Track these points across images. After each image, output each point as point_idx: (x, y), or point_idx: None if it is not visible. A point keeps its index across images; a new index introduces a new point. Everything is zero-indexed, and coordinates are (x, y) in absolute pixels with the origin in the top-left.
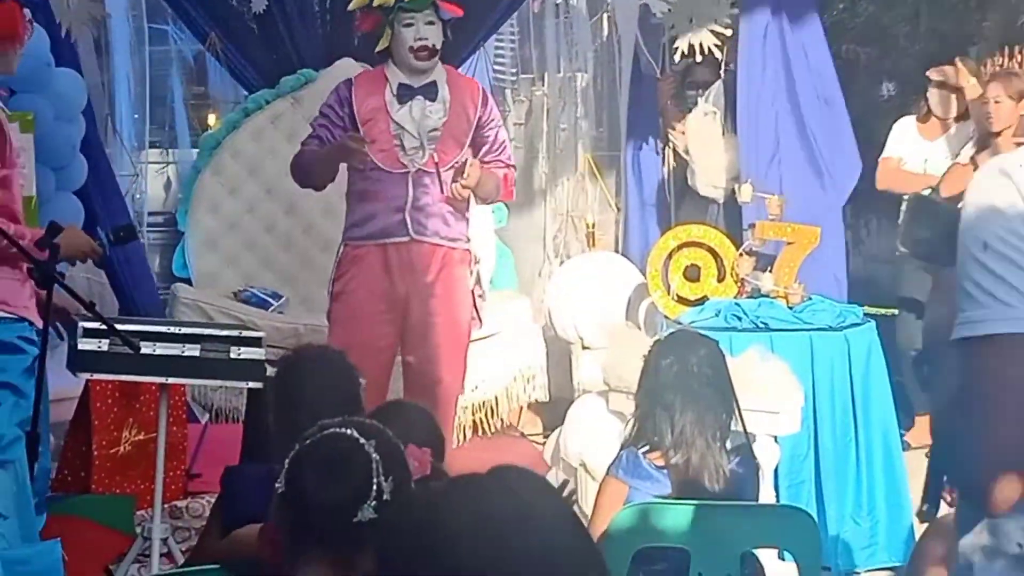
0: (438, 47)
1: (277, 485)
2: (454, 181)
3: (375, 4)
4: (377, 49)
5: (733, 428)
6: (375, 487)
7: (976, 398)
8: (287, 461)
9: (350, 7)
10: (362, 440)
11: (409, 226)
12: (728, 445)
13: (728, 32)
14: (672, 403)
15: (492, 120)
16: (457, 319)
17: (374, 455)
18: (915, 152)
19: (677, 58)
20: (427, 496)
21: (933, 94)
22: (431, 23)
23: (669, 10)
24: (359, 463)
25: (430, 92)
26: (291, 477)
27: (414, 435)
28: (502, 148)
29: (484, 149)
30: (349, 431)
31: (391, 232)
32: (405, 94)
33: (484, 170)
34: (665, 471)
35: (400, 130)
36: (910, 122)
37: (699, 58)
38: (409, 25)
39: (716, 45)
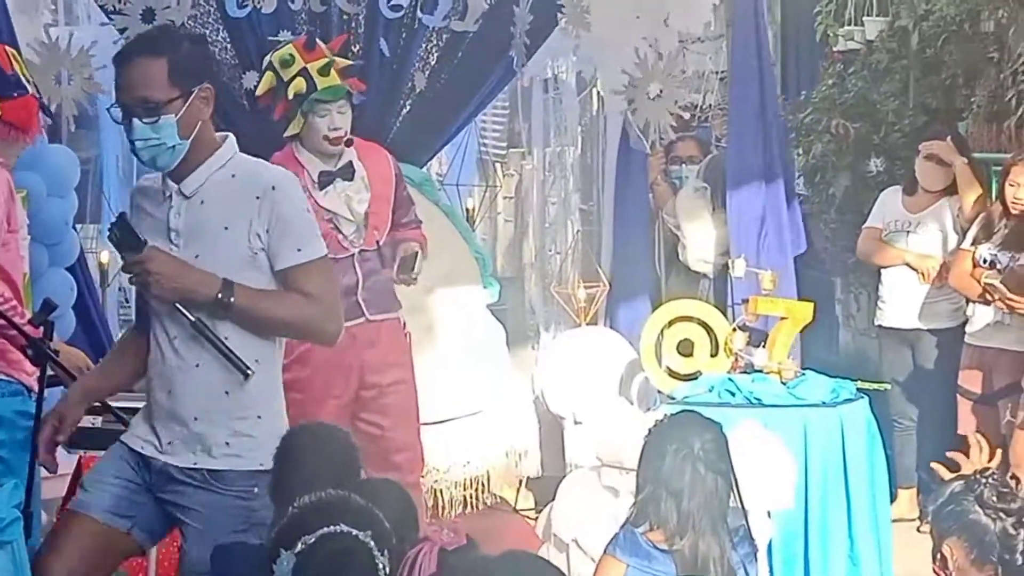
0: (348, 133)
1: None
2: (399, 273)
3: (289, 95)
4: (286, 134)
5: (733, 506)
6: (378, 570)
7: None
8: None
9: (257, 92)
10: (356, 533)
11: (364, 308)
12: (729, 524)
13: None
14: (679, 489)
15: (402, 181)
16: (411, 385)
17: (370, 543)
18: (899, 224)
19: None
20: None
21: (921, 166)
22: (343, 112)
23: (632, 84)
24: (361, 558)
25: (347, 173)
26: None
27: (387, 511)
28: (413, 206)
29: (400, 212)
30: (340, 527)
31: (346, 316)
32: (326, 180)
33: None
34: (664, 551)
35: (332, 215)
36: (896, 193)
37: (677, 136)
38: (323, 116)
39: (672, 126)
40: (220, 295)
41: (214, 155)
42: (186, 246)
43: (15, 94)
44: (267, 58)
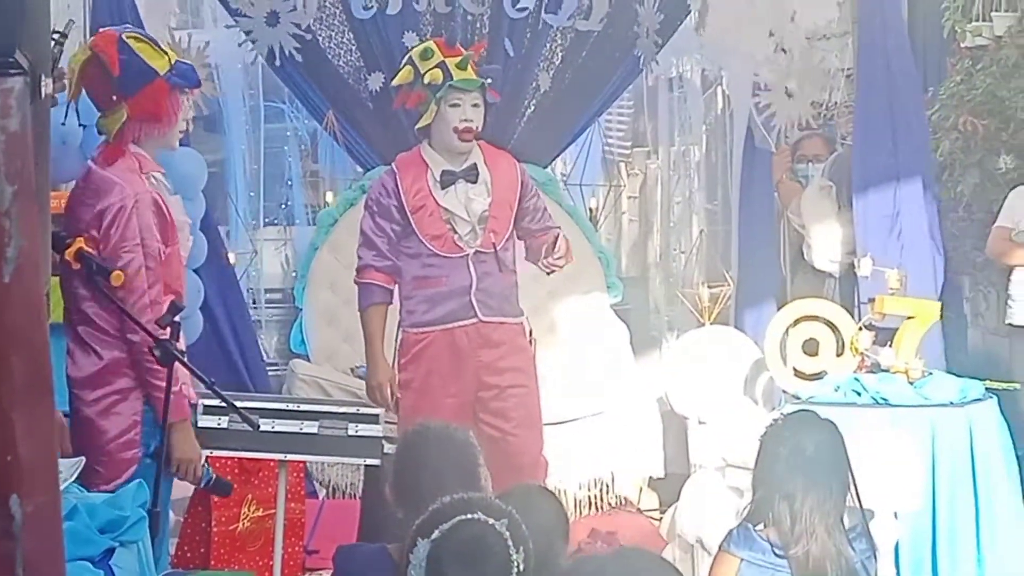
0: (480, 129)
1: None
2: (546, 257)
3: (425, 82)
4: (418, 126)
5: (850, 504)
6: (513, 564)
7: None
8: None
9: (394, 82)
10: (492, 522)
11: (476, 308)
12: (846, 524)
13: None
14: (792, 492)
15: (531, 190)
16: (533, 390)
17: (506, 533)
18: None
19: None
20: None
21: None
22: (476, 105)
23: (767, 90)
24: (495, 546)
25: (471, 175)
26: (433, 573)
27: (540, 518)
28: (546, 214)
29: (528, 219)
30: (477, 515)
31: (458, 316)
32: (448, 179)
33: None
34: (780, 550)
35: (450, 215)
36: None
37: (804, 133)
38: (455, 106)
39: (814, 117)
40: None
41: None
42: None
43: (138, 86)
44: (407, 54)
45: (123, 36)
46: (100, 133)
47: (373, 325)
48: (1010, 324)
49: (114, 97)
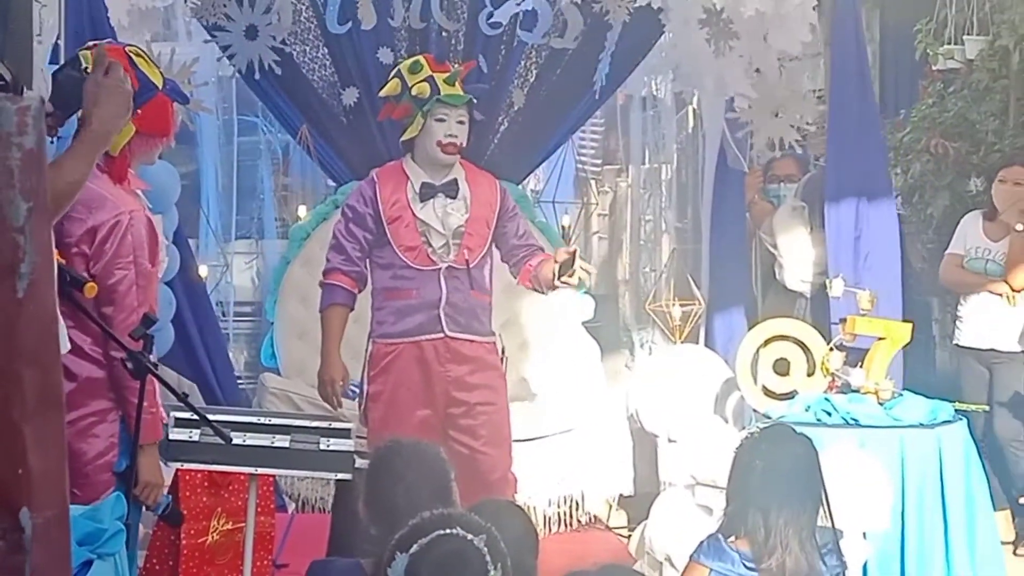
0: (464, 145)
1: None
2: (560, 277)
3: (412, 94)
4: (403, 139)
5: (821, 524)
6: None
7: None
8: (397, 570)
9: (381, 93)
10: (471, 537)
11: (444, 323)
12: (818, 540)
13: (812, 128)
14: (767, 504)
15: (511, 211)
16: (502, 408)
17: (484, 549)
18: (979, 251)
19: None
20: None
21: (999, 192)
22: (462, 122)
23: (749, 106)
24: (473, 562)
25: (451, 190)
26: None
27: (509, 534)
28: (529, 234)
29: (512, 241)
30: (456, 530)
31: (426, 329)
32: (427, 192)
33: (572, 248)
34: (751, 562)
35: (426, 228)
36: (976, 219)
37: (776, 154)
38: (441, 120)
39: (797, 140)
40: None
41: None
42: None
43: (143, 100)
44: (396, 68)
45: (127, 50)
46: None
47: (332, 324)
48: (957, 345)
49: None
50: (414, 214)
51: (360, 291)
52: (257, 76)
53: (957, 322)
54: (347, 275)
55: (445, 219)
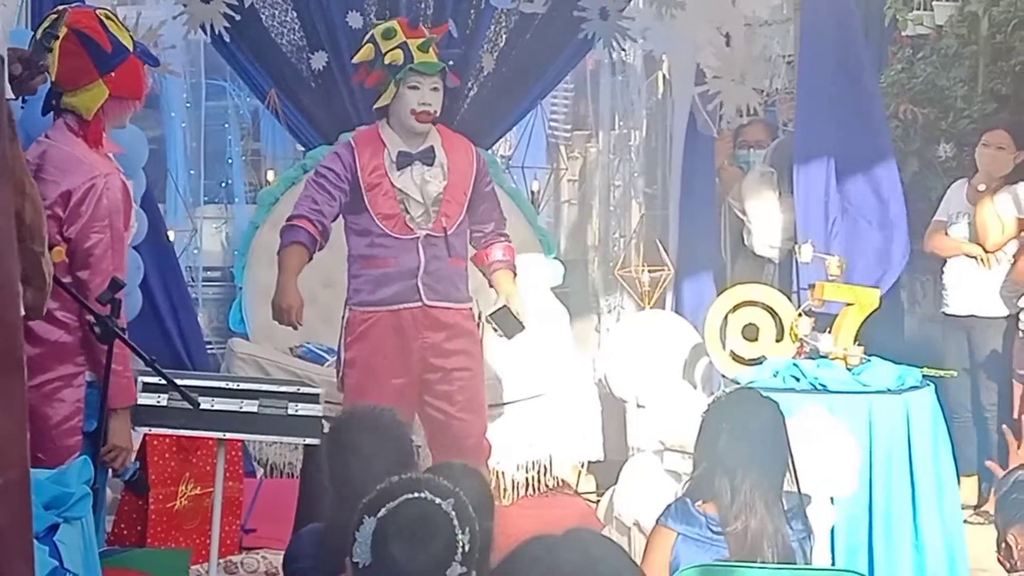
0: (438, 112)
1: (356, 560)
2: (500, 332)
3: (386, 62)
4: (376, 106)
5: (787, 489)
6: (459, 544)
7: None
8: (365, 533)
9: (355, 59)
10: (438, 501)
11: (422, 292)
12: (784, 505)
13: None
14: (733, 467)
15: (485, 176)
16: (478, 374)
17: (452, 513)
18: (959, 215)
19: (731, 118)
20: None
21: (982, 155)
22: (436, 89)
23: (715, 77)
24: (441, 525)
25: (427, 157)
26: (378, 552)
27: (466, 496)
28: (499, 209)
29: (476, 216)
30: (424, 494)
31: (404, 298)
32: (404, 160)
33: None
34: (713, 519)
35: (404, 196)
36: (962, 185)
37: (745, 120)
38: (415, 88)
39: (760, 104)
40: None
41: None
42: None
43: (116, 62)
44: (370, 32)
45: (97, 12)
46: (62, 111)
47: (290, 259)
48: (944, 313)
49: (95, 75)
50: (392, 182)
51: (321, 246)
52: (209, 39)
53: (943, 291)
54: (312, 222)
55: (424, 187)
